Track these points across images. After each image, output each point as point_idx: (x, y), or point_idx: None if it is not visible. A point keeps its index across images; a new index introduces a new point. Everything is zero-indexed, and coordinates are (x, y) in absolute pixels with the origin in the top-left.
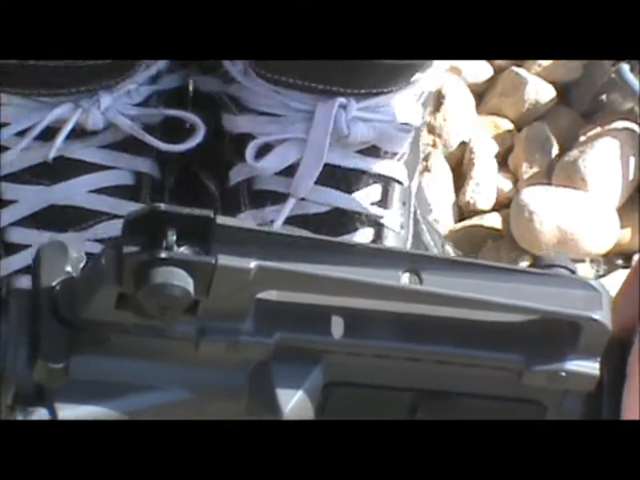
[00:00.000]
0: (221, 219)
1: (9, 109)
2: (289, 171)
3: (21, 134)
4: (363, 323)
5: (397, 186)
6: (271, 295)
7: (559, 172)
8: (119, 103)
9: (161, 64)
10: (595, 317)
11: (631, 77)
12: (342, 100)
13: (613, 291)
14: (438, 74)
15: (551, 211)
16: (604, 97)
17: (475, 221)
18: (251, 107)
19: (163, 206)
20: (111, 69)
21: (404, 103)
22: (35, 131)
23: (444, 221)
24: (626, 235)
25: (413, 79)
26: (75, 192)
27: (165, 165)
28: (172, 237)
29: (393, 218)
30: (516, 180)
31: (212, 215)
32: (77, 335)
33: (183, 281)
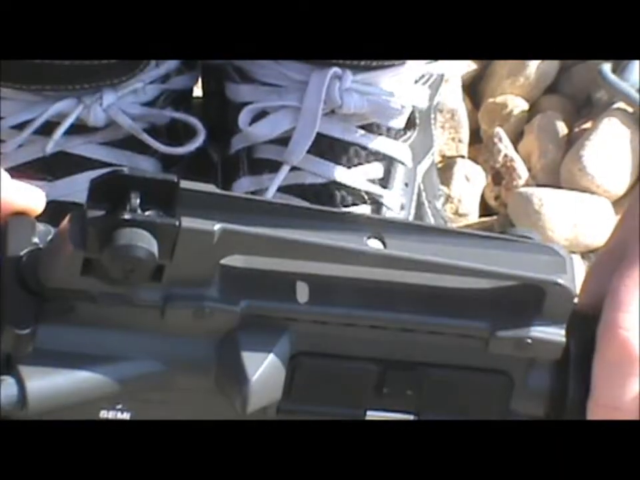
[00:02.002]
0: (185, 183)
1: (6, 102)
2: (285, 141)
3: (19, 127)
4: (328, 289)
5: (400, 166)
6: (236, 260)
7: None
8: (124, 101)
9: (171, 64)
10: (559, 280)
11: (612, 78)
12: (337, 70)
13: None
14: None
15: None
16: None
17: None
18: (253, 77)
19: (126, 170)
20: (118, 67)
21: (402, 80)
22: (35, 125)
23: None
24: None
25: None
26: (77, 188)
27: (170, 165)
28: (135, 200)
29: (393, 198)
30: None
31: (175, 179)
32: (43, 304)
33: (147, 242)
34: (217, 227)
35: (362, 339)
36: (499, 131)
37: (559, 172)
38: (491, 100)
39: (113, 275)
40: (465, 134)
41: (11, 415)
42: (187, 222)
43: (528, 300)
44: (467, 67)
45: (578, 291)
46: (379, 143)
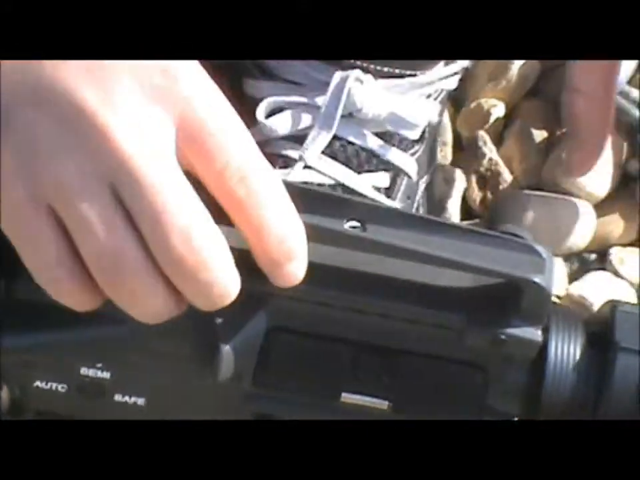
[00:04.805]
0: None
1: None
2: (301, 138)
3: None
4: (308, 269)
5: (405, 179)
6: None
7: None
8: None
9: None
10: (536, 279)
11: None
12: (359, 74)
13: (587, 291)
14: (457, 73)
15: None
16: None
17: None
18: (274, 73)
19: None
20: None
21: (420, 93)
22: None
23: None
24: (603, 229)
25: (435, 67)
26: None
27: None
28: None
29: None
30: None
31: None
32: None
33: None
34: None
35: (337, 320)
36: (483, 134)
37: (540, 176)
38: (467, 106)
39: None
40: (448, 138)
41: None
42: None
43: (505, 297)
44: None
45: (556, 292)
46: (390, 153)
